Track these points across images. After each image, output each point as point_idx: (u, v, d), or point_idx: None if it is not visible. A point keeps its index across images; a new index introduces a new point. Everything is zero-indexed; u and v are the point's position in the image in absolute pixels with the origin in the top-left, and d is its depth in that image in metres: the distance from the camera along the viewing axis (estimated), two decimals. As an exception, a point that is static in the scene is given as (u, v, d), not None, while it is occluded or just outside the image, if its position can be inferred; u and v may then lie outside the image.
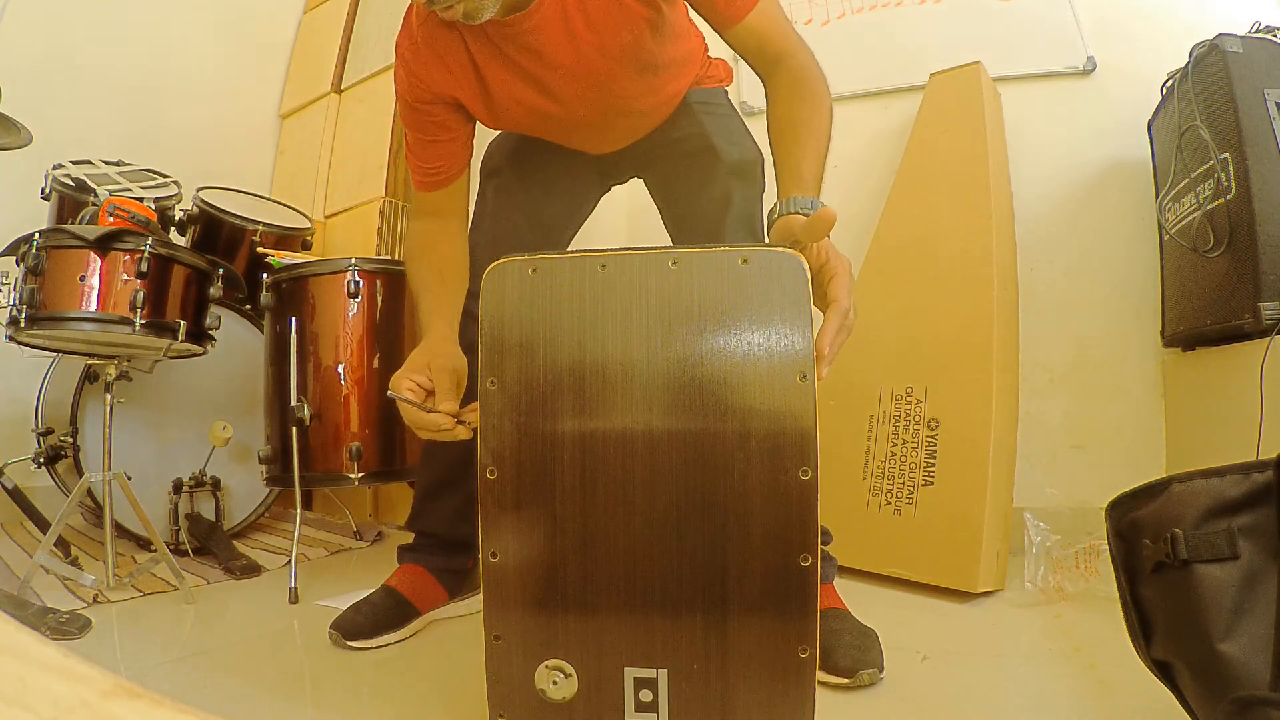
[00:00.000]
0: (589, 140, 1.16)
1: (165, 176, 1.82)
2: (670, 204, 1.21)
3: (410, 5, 0.99)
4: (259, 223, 1.89)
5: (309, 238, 2.04)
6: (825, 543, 1.12)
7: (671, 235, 1.20)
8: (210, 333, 1.47)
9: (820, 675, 0.91)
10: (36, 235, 1.29)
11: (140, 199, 1.59)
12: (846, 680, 0.92)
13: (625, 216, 1.98)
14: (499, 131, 1.23)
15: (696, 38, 1.19)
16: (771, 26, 0.97)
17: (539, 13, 0.93)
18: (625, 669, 0.68)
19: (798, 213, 0.80)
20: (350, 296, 1.56)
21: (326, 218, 2.48)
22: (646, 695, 0.68)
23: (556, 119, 1.07)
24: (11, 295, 1.31)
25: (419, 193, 1.08)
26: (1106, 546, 0.74)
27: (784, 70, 0.96)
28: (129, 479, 1.34)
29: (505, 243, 1.14)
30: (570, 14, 0.94)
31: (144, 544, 1.63)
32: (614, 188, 1.32)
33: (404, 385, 0.87)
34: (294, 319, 1.53)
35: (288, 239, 1.97)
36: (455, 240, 1.08)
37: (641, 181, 1.28)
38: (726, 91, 1.25)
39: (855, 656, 0.93)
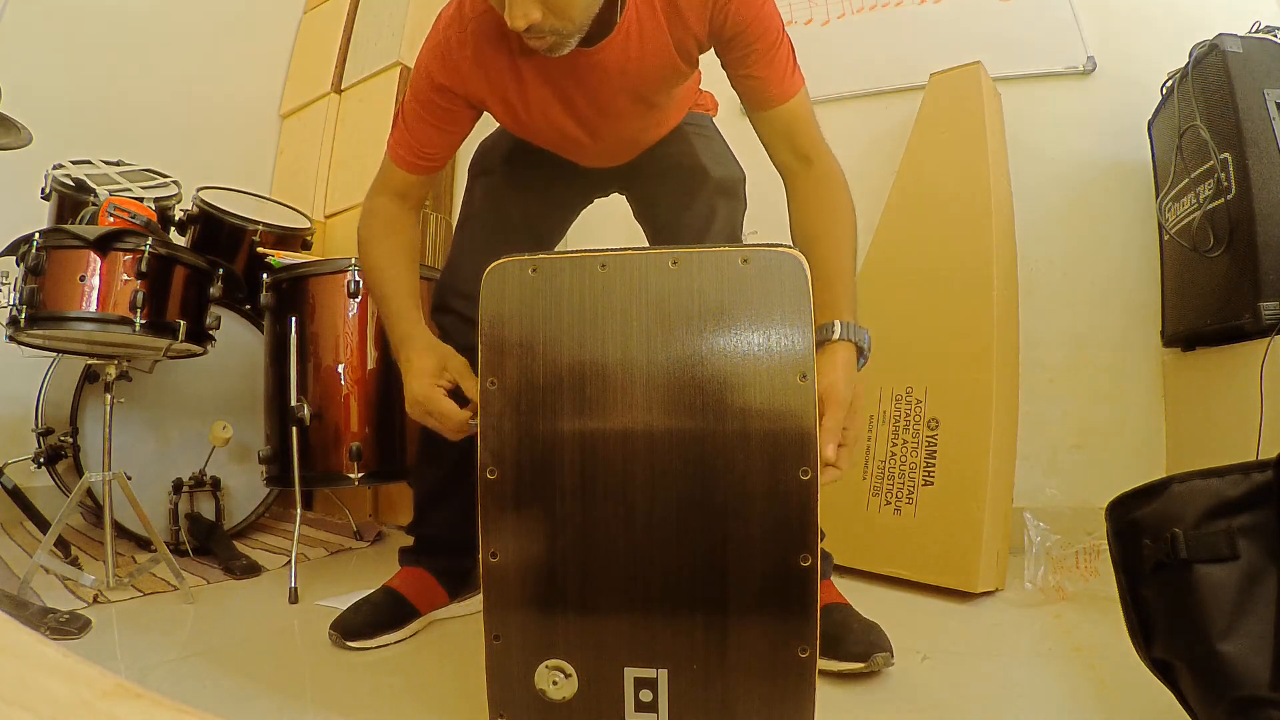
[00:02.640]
0: (593, 159, 1.17)
1: (165, 176, 1.81)
2: (655, 216, 1.23)
3: None
4: (259, 223, 1.89)
5: (309, 238, 2.04)
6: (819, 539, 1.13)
7: (655, 233, 1.23)
8: (210, 333, 1.47)
9: (833, 665, 0.94)
10: (36, 235, 1.29)
11: (140, 199, 1.59)
12: (861, 665, 0.93)
13: (625, 217, 1.98)
14: (489, 131, 1.23)
15: (698, 71, 1.21)
16: (806, 118, 0.98)
17: (604, 51, 0.93)
18: (625, 669, 0.68)
19: (848, 339, 0.85)
20: (350, 296, 1.56)
21: (326, 218, 2.47)
22: (646, 695, 0.68)
23: (576, 142, 1.08)
24: (11, 295, 1.31)
25: (396, 169, 1.04)
26: (1106, 546, 0.75)
27: (812, 173, 0.97)
28: (129, 479, 1.34)
29: (496, 243, 1.14)
30: (630, 57, 0.95)
31: (144, 544, 1.63)
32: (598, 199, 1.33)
33: (437, 393, 0.87)
34: (294, 319, 1.53)
35: (288, 239, 1.96)
36: (414, 230, 1.08)
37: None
38: (712, 119, 1.29)
39: (868, 641, 0.94)
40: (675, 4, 0.92)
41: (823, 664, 0.94)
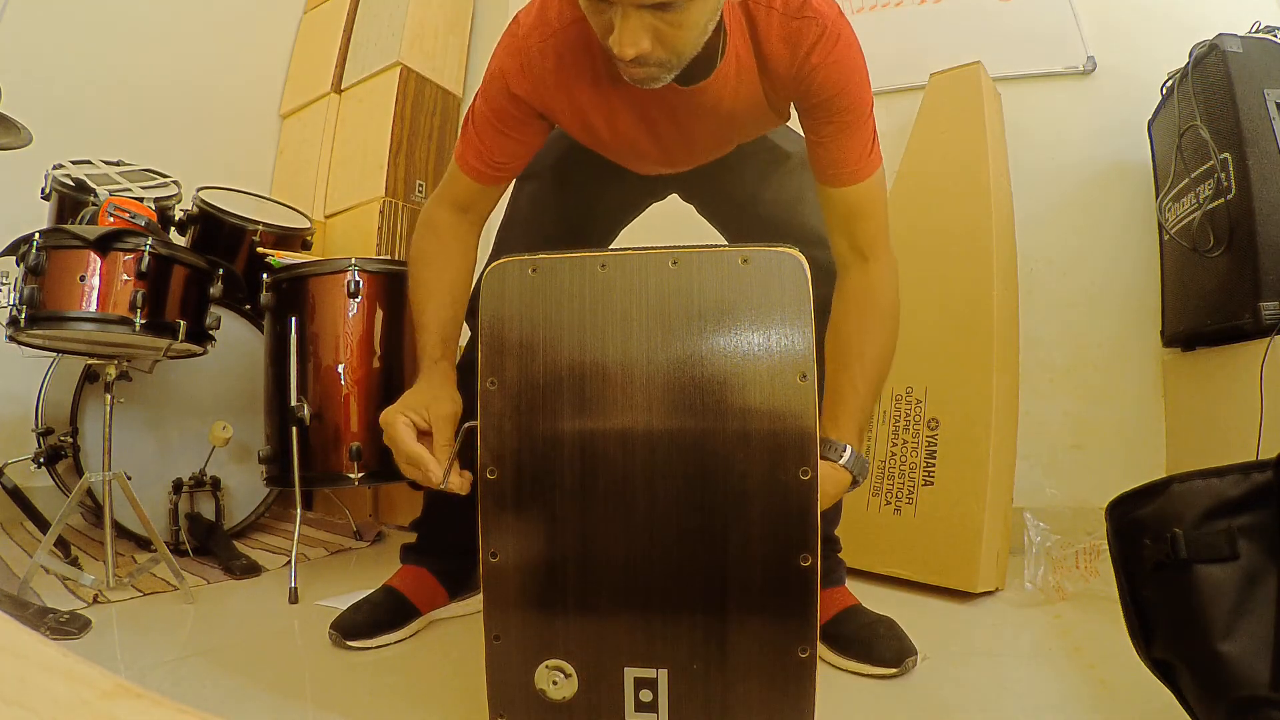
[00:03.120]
0: (658, 170, 1.12)
1: (165, 176, 1.81)
2: (732, 201, 1.16)
3: (550, 3, 0.88)
4: (259, 223, 1.89)
5: (309, 238, 2.04)
6: (836, 550, 1.14)
7: (736, 231, 1.18)
8: (210, 333, 1.47)
9: (867, 669, 0.96)
10: (36, 235, 1.29)
11: (140, 199, 1.59)
12: (894, 670, 0.95)
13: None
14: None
15: None
16: (873, 206, 0.92)
17: (704, 92, 0.89)
18: (625, 669, 0.68)
19: (849, 469, 0.84)
20: (350, 296, 1.55)
21: (326, 218, 2.48)
22: (646, 695, 0.68)
23: (648, 158, 1.04)
24: (11, 295, 1.31)
25: (464, 178, 0.97)
26: (1106, 546, 0.75)
27: (866, 274, 0.92)
28: (129, 479, 1.34)
29: (539, 239, 1.11)
30: (724, 101, 0.91)
31: (144, 544, 1.63)
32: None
33: (399, 421, 0.84)
34: (294, 319, 1.53)
35: (288, 239, 1.96)
36: (471, 252, 1.02)
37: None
38: None
39: (897, 646, 0.97)
40: (765, 58, 0.87)
41: (856, 667, 0.97)
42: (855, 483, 0.86)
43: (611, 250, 0.71)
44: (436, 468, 0.81)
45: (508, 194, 1.21)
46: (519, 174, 1.01)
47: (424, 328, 0.95)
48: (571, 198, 1.16)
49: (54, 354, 1.68)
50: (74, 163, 1.75)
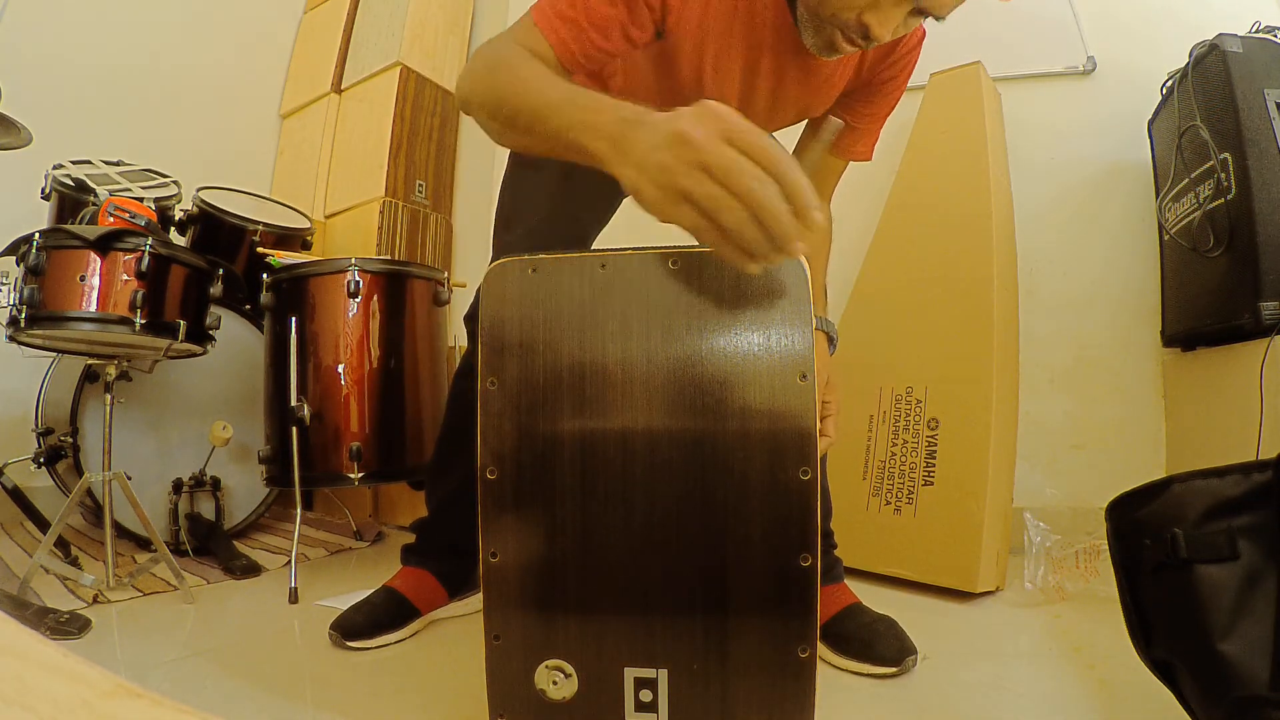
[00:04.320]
0: None
1: (165, 176, 1.81)
2: None
3: None
4: (259, 223, 1.89)
5: (309, 238, 2.04)
6: (832, 546, 1.14)
7: None
8: (210, 333, 1.47)
9: (867, 668, 0.97)
10: (36, 235, 1.29)
11: (140, 199, 1.59)
12: (894, 670, 0.96)
13: (624, 216, 1.98)
14: None
15: None
16: (840, 176, 1.14)
17: (824, 66, 0.96)
18: (625, 669, 0.68)
19: (820, 330, 0.93)
20: (350, 296, 1.56)
21: (326, 218, 2.48)
22: (646, 695, 0.68)
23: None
24: (11, 295, 1.31)
25: (541, 38, 0.79)
26: (1106, 546, 0.75)
27: (824, 211, 1.06)
28: (129, 479, 1.34)
29: (545, 241, 1.10)
30: (825, 81, 0.98)
31: (144, 544, 1.63)
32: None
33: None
34: (294, 319, 1.53)
35: (288, 239, 1.96)
36: None
37: None
38: None
39: (898, 645, 0.98)
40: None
41: (856, 666, 0.98)
42: (832, 342, 0.97)
43: (611, 250, 0.71)
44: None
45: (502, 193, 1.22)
46: (593, 68, 0.86)
47: (572, 90, 0.70)
48: (578, 190, 1.16)
49: (54, 354, 1.68)
50: (74, 163, 1.75)
